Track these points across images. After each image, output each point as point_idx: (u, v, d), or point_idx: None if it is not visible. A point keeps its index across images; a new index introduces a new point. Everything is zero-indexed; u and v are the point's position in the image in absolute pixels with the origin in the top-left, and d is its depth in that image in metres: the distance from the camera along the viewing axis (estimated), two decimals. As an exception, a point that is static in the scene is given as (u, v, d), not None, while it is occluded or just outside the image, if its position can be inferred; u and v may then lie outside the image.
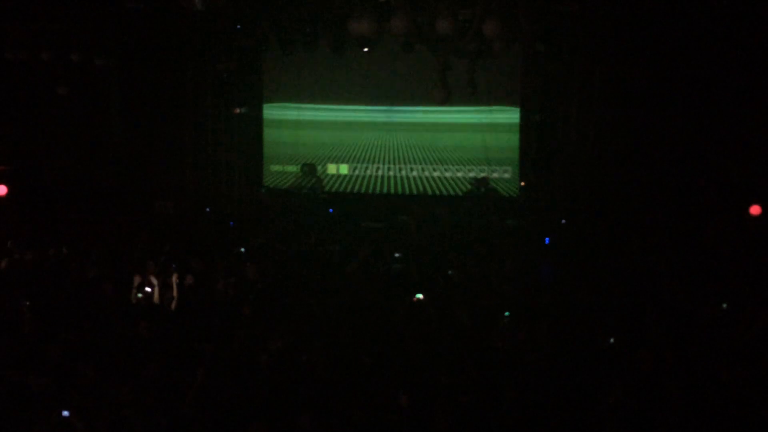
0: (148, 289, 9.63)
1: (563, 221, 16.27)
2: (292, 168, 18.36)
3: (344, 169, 18.51)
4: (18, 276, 10.52)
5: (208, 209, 17.40)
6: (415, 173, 18.47)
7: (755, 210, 13.44)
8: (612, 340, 8.04)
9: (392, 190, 18.50)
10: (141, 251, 12.16)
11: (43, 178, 16.35)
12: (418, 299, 9.17)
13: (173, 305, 9.43)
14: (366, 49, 16.66)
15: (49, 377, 6.92)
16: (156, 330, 8.28)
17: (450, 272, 10.92)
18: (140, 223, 15.37)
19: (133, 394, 6.50)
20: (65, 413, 6.06)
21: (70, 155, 16.66)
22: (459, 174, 18.29)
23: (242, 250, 13.12)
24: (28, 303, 8.27)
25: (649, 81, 15.12)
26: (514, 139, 17.98)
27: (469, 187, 17.74)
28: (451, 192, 18.10)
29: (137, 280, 9.76)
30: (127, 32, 16.17)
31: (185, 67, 17.53)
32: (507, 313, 8.89)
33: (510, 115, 17.91)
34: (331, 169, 18.49)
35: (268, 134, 18.79)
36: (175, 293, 9.60)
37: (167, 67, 17.20)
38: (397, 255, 12.20)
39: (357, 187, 18.56)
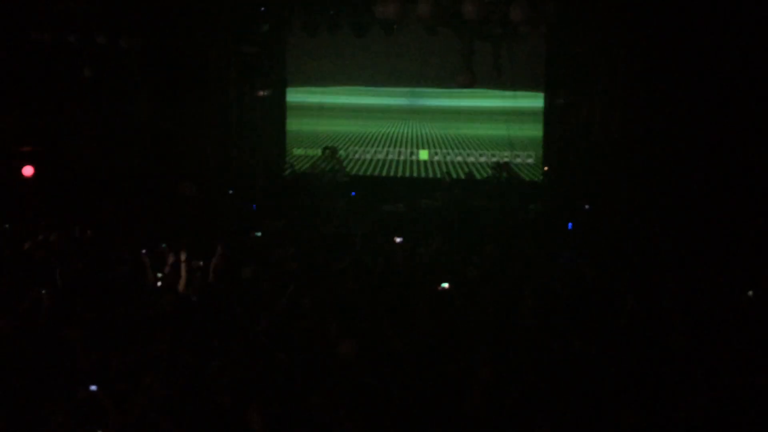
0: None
1: (587, 207, 16.17)
2: (315, 151, 18.38)
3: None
4: (41, 257, 10.60)
5: (230, 191, 17.47)
6: (438, 158, 18.42)
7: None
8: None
9: (414, 174, 18.47)
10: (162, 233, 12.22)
11: (69, 160, 16.47)
12: (444, 288, 9.15)
13: (181, 286, 9.34)
14: (391, 32, 16.60)
15: (73, 355, 7.00)
16: (179, 309, 8.32)
17: (474, 258, 10.88)
18: (163, 205, 15.49)
19: (155, 372, 6.55)
20: (93, 388, 6.11)
21: (94, 137, 16.77)
22: (482, 159, 18.22)
23: (258, 234, 13.18)
24: (44, 291, 8.29)
25: (676, 65, 14.93)
26: (538, 124, 17.88)
27: (491, 172, 17.66)
28: (475, 177, 18.03)
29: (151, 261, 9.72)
30: (151, 15, 16.22)
31: (209, 50, 17.56)
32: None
33: (534, 100, 17.79)
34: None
35: (291, 117, 18.81)
36: (183, 274, 9.50)
37: (191, 50, 17.24)
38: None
39: (379, 170, 18.56)
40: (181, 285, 9.27)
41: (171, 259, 9.76)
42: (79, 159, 16.50)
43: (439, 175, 18.06)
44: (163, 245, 10.87)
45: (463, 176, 17.78)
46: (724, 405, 6.29)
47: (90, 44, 15.45)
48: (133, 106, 17.12)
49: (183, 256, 9.53)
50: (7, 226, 12.18)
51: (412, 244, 12.28)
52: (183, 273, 9.43)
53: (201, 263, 9.89)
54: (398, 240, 12.46)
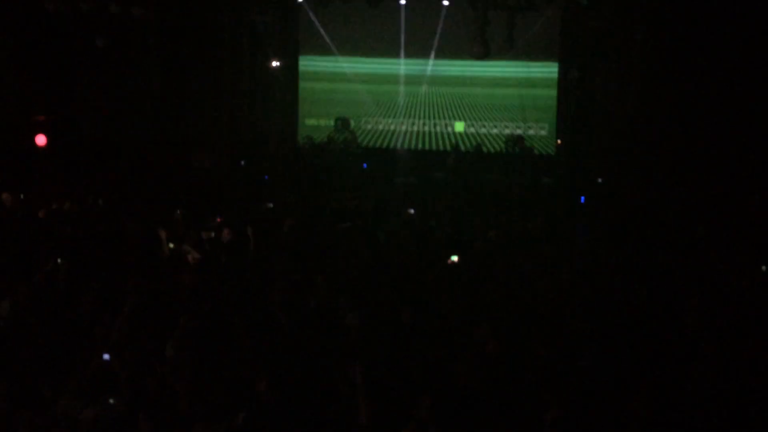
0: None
1: (600, 180, 16.09)
2: (327, 121, 18.32)
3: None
4: (56, 226, 10.65)
5: (242, 162, 17.47)
6: (450, 129, 18.33)
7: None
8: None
9: (427, 146, 18.40)
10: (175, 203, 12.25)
11: (82, 129, 16.49)
12: (453, 262, 9.14)
13: (191, 258, 9.33)
14: (403, 2, 16.47)
15: (87, 324, 7.06)
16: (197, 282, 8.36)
17: (490, 234, 10.85)
18: (176, 176, 15.52)
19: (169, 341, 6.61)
20: (106, 356, 6.18)
21: (108, 107, 16.77)
22: (494, 131, 18.12)
23: (270, 205, 13.18)
24: (60, 260, 8.34)
25: (692, 37, 14.75)
26: (551, 96, 17.75)
27: (504, 145, 17.58)
28: (488, 149, 17.93)
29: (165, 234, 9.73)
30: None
31: (222, 19, 17.47)
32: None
33: (548, 71, 17.64)
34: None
35: (304, 87, 18.72)
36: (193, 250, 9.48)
37: (204, 19, 17.16)
38: None
39: (391, 142, 18.49)
40: (192, 257, 9.28)
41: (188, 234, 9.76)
42: (91, 128, 16.52)
43: (450, 148, 17.97)
44: (177, 212, 10.92)
45: (471, 149, 17.69)
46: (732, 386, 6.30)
47: (103, 13, 15.37)
48: (146, 76, 17.09)
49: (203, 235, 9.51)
50: (21, 195, 12.23)
51: (422, 218, 12.29)
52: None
53: (212, 234, 9.89)
54: (411, 211, 12.48)
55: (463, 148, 17.71)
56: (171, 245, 9.65)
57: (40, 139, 15.05)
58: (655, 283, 8.85)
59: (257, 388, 5.88)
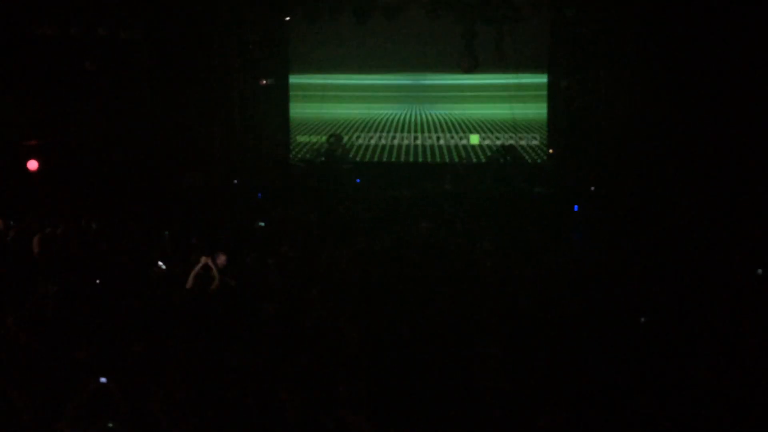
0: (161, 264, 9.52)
1: (592, 188, 16.13)
2: (319, 138, 18.34)
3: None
4: (50, 251, 10.62)
5: (236, 181, 17.46)
6: (442, 141, 18.38)
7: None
8: (642, 320, 7.95)
9: (420, 159, 18.44)
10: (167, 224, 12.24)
11: (73, 153, 16.47)
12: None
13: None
14: (393, 17, 16.54)
15: (82, 348, 7.02)
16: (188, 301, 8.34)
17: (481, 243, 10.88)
18: (169, 196, 15.49)
19: (165, 367, 6.58)
20: (103, 380, 6.14)
21: (98, 129, 16.76)
22: (486, 142, 18.17)
23: (262, 224, 13.15)
24: (55, 288, 8.30)
25: (680, 46, 14.84)
26: (542, 106, 17.82)
27: (496, 155, 17.62)
28: (480, 159, 17.97)
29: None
30: (152, 5, 16.17)
31: (211, 39, 17.51)
32: None
33: (538, 82, 17.73)
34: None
35: (295, 105, 18.76)
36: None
37: (194, 39, 17.19)
38: None
39: (384, 156, 18.53)
40: (190, 282, 9.20)
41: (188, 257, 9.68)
42: (83, 152, 16.51)
43: (445, 160, 18.00)
44: (166, 233, 10.88)
45: (462, 159, 17.73)
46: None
47: (92, 36, 15.40)
48: (137, 98, 17.09)
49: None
50: (11, 222, 12.18)
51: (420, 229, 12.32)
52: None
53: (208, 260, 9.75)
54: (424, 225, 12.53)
55: (457, 159, 17.78)
56: (161, 265, 9.61)
57: (32, 164, 15.04)
58: (649, 290, 8.87)
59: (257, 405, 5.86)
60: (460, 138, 18.26)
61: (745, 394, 6.12)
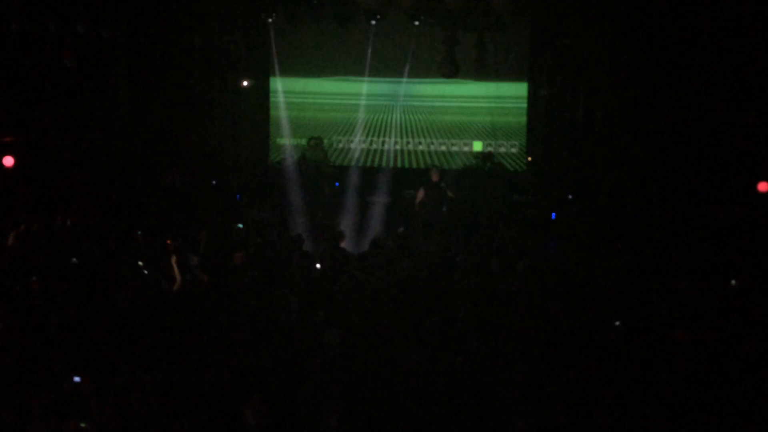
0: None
1: (570, 196, 16.23)
2: (299, 141, 18.30)
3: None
4: (25, 248, 10.51)
5: (214, 182, 17.38)
6: (422, 147, 18.40)
7: (764, 187, 13.34)
8: (617, 323, 8.01)
9: (399, 164, 18.44)
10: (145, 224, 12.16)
11: (49, 150, 16.31)
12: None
13: (176, 286, 9.18)
14: (373, 23, 16.56)
15: (59, 347, 6.95)
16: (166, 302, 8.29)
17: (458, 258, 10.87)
18: (147, 196, 15.38)
19: (140, 365, 6.53)
20: (77, 379, 6.10)
21: (76, 127, 16.59)
22: (465, 149, 18.23)
23: (240, 226, 13.12)
24: (35, 278, 8.25)
25: (659, 56, 14.97)
26: (521, 114, 17.91)
27: (475, 161, 17.67)
28: (458, 166, 18.00)
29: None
30: (133, 3, 16.06)
31: (192, 40, 17.42)
32: None
33: (518, 90, 17.81)
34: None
35: (275, 107, 18.71)
36: (177, 274, 9.30)
37: (174, 40, 17.09)
38: None
39: (363, 161, 18.51)
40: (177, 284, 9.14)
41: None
42: (60, 149, 16.34)
43: (423, 166, 18.01)
44: (139, 232, 10.82)
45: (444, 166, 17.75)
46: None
47: (70, 33, 15.26)
48: (115, 96, 16.97)
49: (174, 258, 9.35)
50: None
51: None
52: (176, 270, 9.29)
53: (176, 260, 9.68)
54: (401, 229, 12.62)
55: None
56: (140, 263, 9.56)
57: (8, 161, 14.87)
58: (625, 297, 8.93)
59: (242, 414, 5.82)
60: (440, 144, 18.29)
61: (718, 397, 6.18)
